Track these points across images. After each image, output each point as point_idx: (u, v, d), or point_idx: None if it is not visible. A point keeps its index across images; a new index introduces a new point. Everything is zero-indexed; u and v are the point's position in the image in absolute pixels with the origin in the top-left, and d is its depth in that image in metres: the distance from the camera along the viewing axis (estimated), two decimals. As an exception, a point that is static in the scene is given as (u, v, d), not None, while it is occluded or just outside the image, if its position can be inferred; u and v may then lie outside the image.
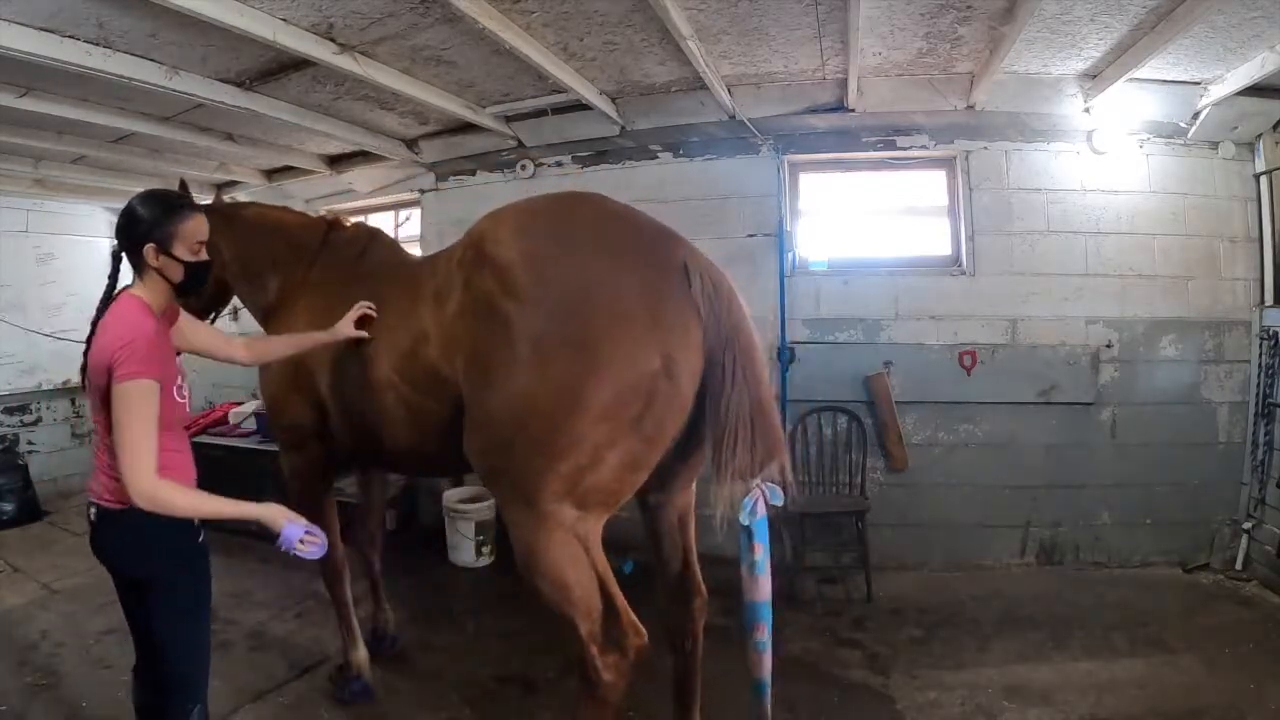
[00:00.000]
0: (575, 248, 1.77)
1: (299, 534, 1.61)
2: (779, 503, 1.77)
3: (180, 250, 1.63)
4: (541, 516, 1.70)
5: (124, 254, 1.66)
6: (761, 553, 1.78)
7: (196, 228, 1.66)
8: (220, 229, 2.94)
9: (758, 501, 1.74)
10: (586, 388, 1.62)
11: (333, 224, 2.76)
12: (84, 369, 1.62)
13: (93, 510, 1.66)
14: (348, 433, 2.36)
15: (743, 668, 1.91)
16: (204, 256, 1.69)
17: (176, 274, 1.64)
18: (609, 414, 1.63)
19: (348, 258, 2.60)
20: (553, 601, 1.73)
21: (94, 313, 1.67)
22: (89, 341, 1.62)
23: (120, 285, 1.71)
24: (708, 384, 1.69)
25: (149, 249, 1.61)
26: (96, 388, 1.56)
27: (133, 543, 1.64)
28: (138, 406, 1.50)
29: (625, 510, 1.85)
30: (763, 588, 1.80)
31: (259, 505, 1.62)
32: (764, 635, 1.83)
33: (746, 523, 1.74)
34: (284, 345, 2.27)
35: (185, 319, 1.87)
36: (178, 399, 1.67)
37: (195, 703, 1.70)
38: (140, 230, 1.61)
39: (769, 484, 1.75)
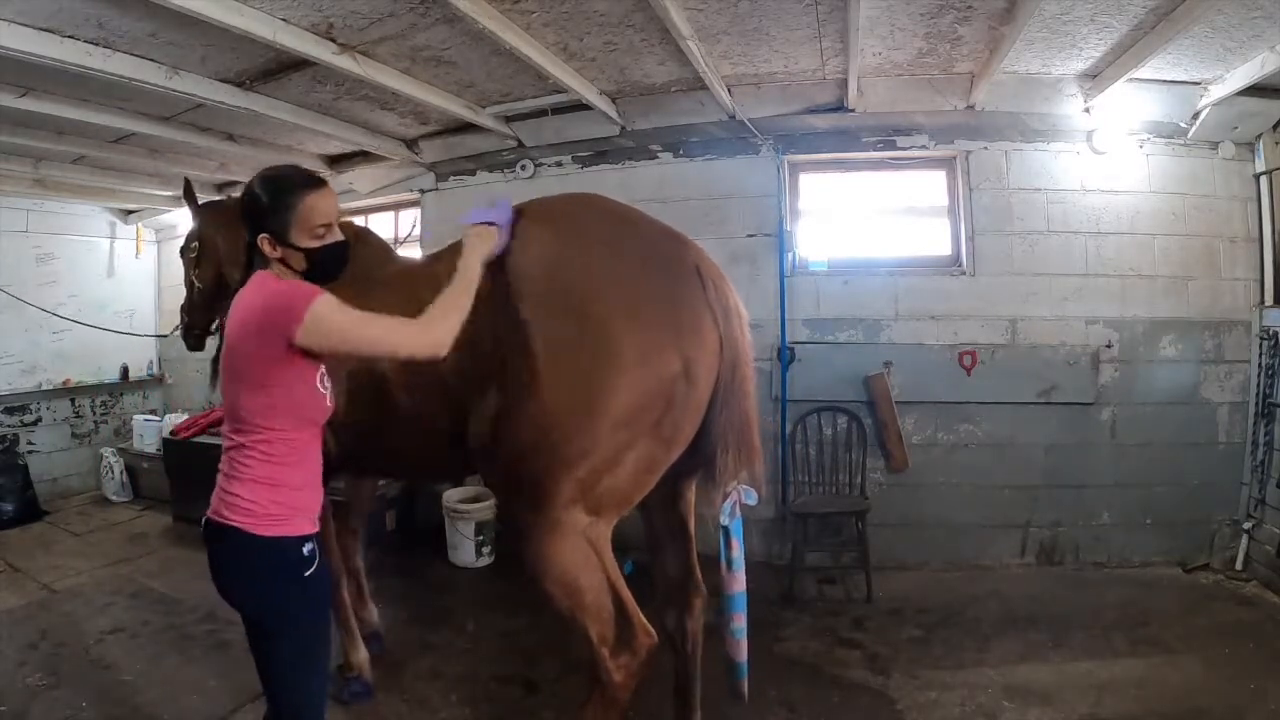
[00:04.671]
0: (588, 251, 1.76)
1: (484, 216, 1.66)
2: (753, 503, 1.91)
3: (299, 236, 1.44)
4: (553, 523, 1.68)
5: (253, 244, 1.49)
6: (738, 549, 1.91)
7: (314, 207, 1.44)
8: (219, 224, 2.95)
9: (735, 503, 1.87)
10: (608, 393, 1.62)
11: None
12: (216, 360, 1.49)
13: (204, 521, 1.48)
14: (343, 438, 2.31)
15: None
16: (332, 237, 1.49)
17: (299, 263, 1.47)
18: (630, 418, 1.63)
19: None
20: (564, 606, 1.72)
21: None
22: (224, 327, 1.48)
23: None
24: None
25: (263, 240, 1.44)
26: (241, 367, 1.40)
27: (245, 573, 1.45)
28: (340, 310, 1.37)
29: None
30: (739, 581, 1.94)
31: (469, 250, 1.62)
32: (741, 623, 1.97)
33: (726, 523, 1.88)
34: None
35: None
36: (320, 389, 1.50)
37: None
38: (255, 219, 1.46)
39: (745, 487, 1.88)
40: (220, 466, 1.47)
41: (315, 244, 1.47)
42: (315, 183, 1.48)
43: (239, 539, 1.41)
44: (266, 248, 1.45)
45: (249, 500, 1.41)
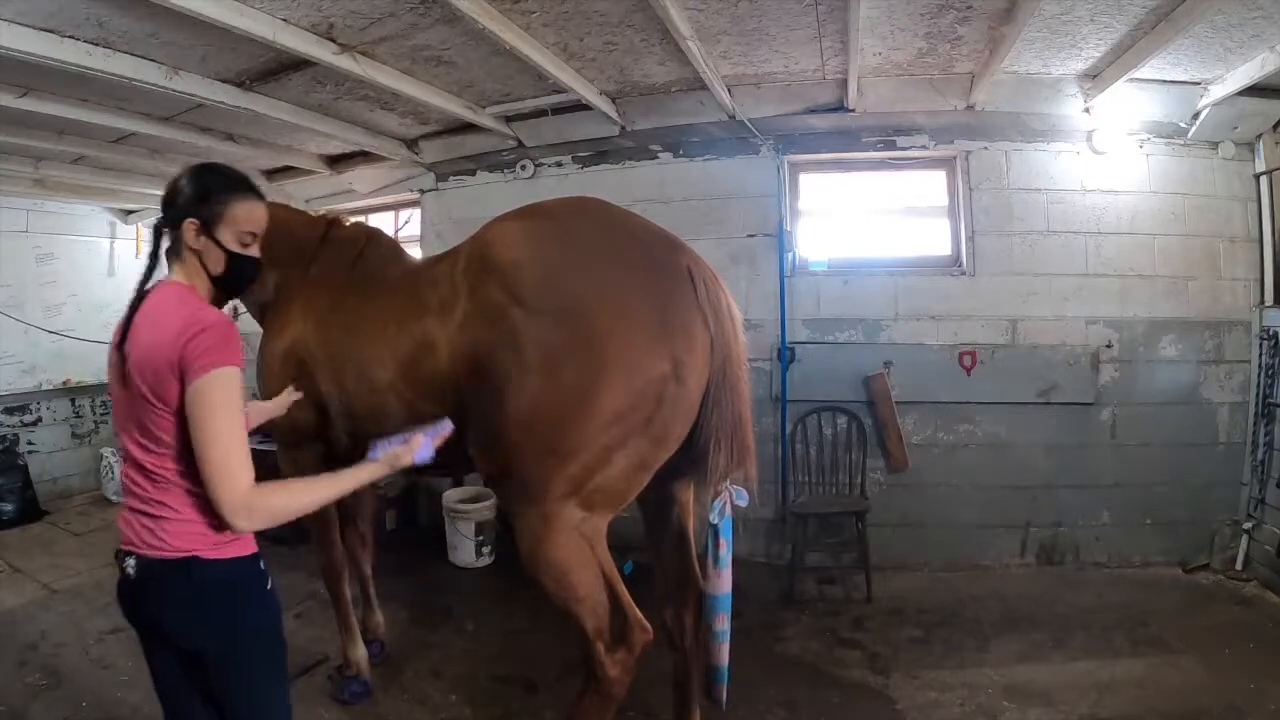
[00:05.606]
0: (582, 254, 1.79)
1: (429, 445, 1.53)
2: (744, 503, 1.92)
3: (225, 235, 1.37)
4: (547, 517, 1.72)
5: (163, 231, 1.39)
6: (725, 549, 1.93)
7: (251, 214, 1.40)
8: None
9: (725, 503, 1.89)
10: (597, 392, 1.65)
11: (332, 223, 2.76)
12: (122, 369, 1.28)
13: (130, 563, 1.27)
14: (347, 433, 2.36)
15: (742, 664, 2.05)
16: (253, 251, 1.42)
17: (217, 264, 1.38)
18: (619, 417, 1.67)
19: (346, 257, 2.59)
20: (559, 599, 1.76)
21: (128, 306, 1.34)
22: (123, 337, 1.29)
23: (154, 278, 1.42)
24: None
25: (189, 224, 1.34)
26: (146, 396, 1.23)
27: (192, 605, 1.27)
28: (225, 400, 1.21)
29: (626, 509, 1.88)
30: (724, 581, 1.95)
31: (372, 464, 1.45)
32: (724, 625, 1.97)
33: (715, 521, 1.89)
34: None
35: None
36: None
37: None
38: (183, 201, 1.36)
39: (735, 487, 1.90)
40: (137, 492, 1.27)
41: (238, 249, 1.39)
42: (255, 190, 1.44)
43: (205, 569, 1.25)
44: (190, 234, 1.34)
45: (202, 525, 1.26)
